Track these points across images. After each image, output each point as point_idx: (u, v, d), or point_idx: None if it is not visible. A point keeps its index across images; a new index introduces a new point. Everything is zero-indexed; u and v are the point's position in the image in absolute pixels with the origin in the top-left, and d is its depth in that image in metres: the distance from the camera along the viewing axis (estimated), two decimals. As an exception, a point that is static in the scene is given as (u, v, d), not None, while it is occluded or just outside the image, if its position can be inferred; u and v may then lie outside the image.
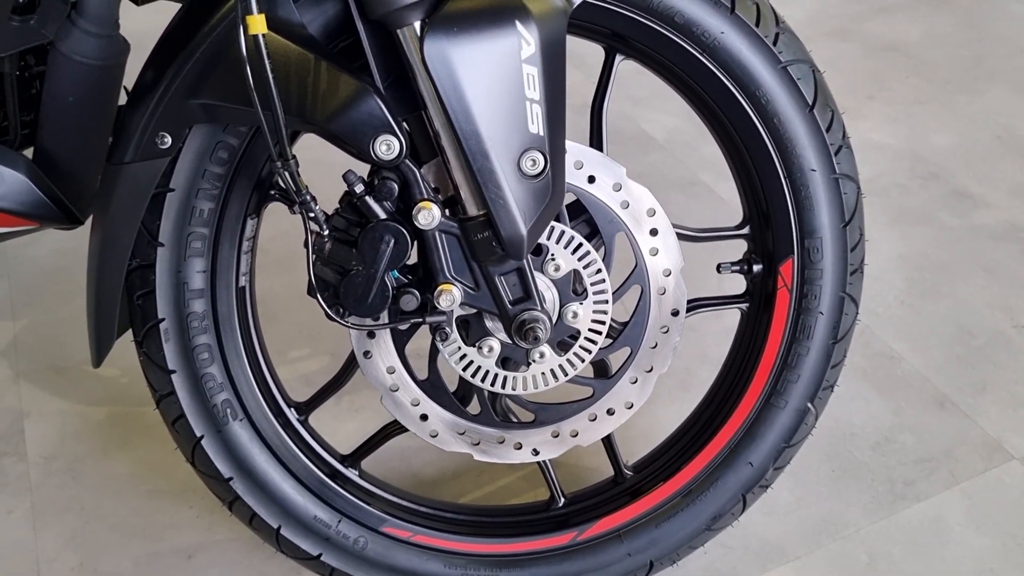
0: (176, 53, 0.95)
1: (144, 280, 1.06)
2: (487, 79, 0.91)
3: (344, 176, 0.97)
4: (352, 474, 1.21)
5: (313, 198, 0.95)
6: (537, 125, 0.94)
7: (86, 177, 1.12)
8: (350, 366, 1.18)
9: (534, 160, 0.94)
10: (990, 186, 2.07)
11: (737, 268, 1.19)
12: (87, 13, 1.00)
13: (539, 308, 1.02)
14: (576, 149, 1.05)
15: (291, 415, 1.18)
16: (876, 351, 1.67)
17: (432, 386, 1.13)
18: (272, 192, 1.09)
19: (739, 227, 1.19)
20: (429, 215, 0.97)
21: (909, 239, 1.93)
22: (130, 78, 1.01)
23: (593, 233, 1.09)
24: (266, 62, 0.86)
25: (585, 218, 1.09)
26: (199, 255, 1.06)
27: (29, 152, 1.07)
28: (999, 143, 2.21)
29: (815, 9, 2.80)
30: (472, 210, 0.97)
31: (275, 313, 1.76)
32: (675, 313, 1.12)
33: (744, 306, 1.21)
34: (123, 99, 1.02)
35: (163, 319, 1.07)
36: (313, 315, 1.73)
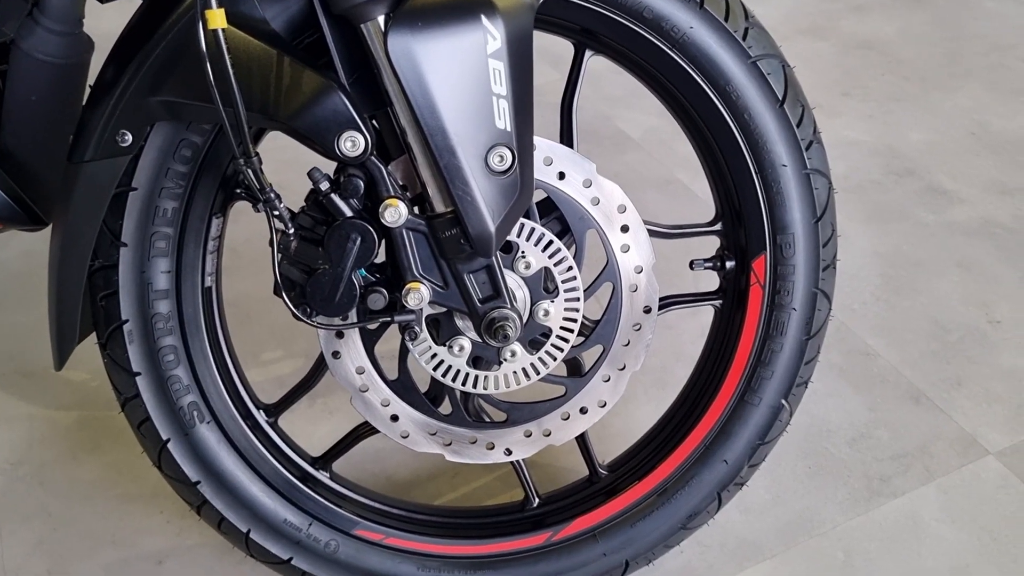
0: (136, 49, 0.93)
1: (107, 281, 1.04)
2: (453, 74, 0.89)
3: (309, 174, 0.95)
4: (323, 476, 1.20)
5: (277, 196, 0.93)
6: (504, 121, 0.92)
7: (50, 177, 1.10)
8: (320, 367, 1.16)
9: (501, 156, 0.93)
10: (964, 182, 2.08)
11: (710, 265, 1.18)
12: (49, 11, 0.99)
13: (509, 306, 1.01)
14: (545, 145, 1.04)
15: (260, 417, 1.17)
16: (852, 347, 1.67)
17: (403, 386, 1.11)
18: (238, 191, 1.07)
19: (711, 223, 1.18)
20: (396, 212, 0.95)
21: (884, 235, 1.93)
22: (95, 75, 0.99)
23: (564, 231, 1.08)
24: (226, 57, 0.85)
25: (556, 216, 1.08)
26: (163, 255, 1.04)
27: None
28: (973, 139, 2.22)
29: (790, 7, 2.80)
30: (439, 207, 0.96)
31: (247, 315, 1.74)
32: (647, 310, 1.12)
33: (717, 303, 1.20)
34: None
35: (127, 320, 1.05)
36: (286, 317, 1.71)
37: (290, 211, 0.96)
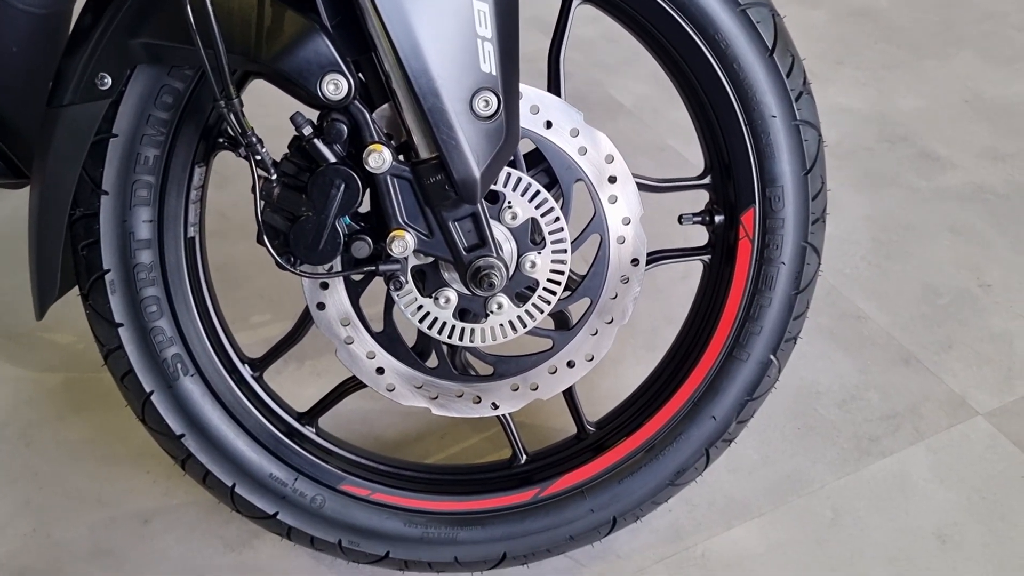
0: (115, -8, 0.92)
1: (88, 230, 1.03)
2: (437, 15, 0.88)
3: (292, 119, 0.94)
4: (309, 432, 1.19)
5: (259, 140, 0.92)
6: (489, 64, 0.91)
7: (32, 131, 1.08)
8: (305, 321, 1.15)
9: (487, 101, 0.92)
10: (957, 148, 2.07)
11: (699, 219, 1.17)
12: (29, -41, 0.97)
13: (495, 255, 1.00)
14: (533, 94, 1.03)
15: (245, 371, 1.16)
16: (843, 311, 1.67)
17: (388, 339, 1.10)
18: (220, 140, 1.06)
19: (700, 177, 1.17)
20: (380, 158, 0.94)
21: (877, 201, 1.92)
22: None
23: (552, 182, 1.07)
24: (208, 2, 0.83)
25: (543, 168, 1.07)
26: (145, 204, 1.03)
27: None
28: (967, 106, 2.21)
29: (785, -24, 2.78)
30: (424, 153, 0.94)
31: (236, 279, 1.73)
32: (635, 262, 1.11)
33: (706, 258, 1.19)
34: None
35: (108, 270, 1.04)
36: (275, 280, 1.71)
37: (272, 158, 0.95)
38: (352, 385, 1.18)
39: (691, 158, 2.03)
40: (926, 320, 1.65)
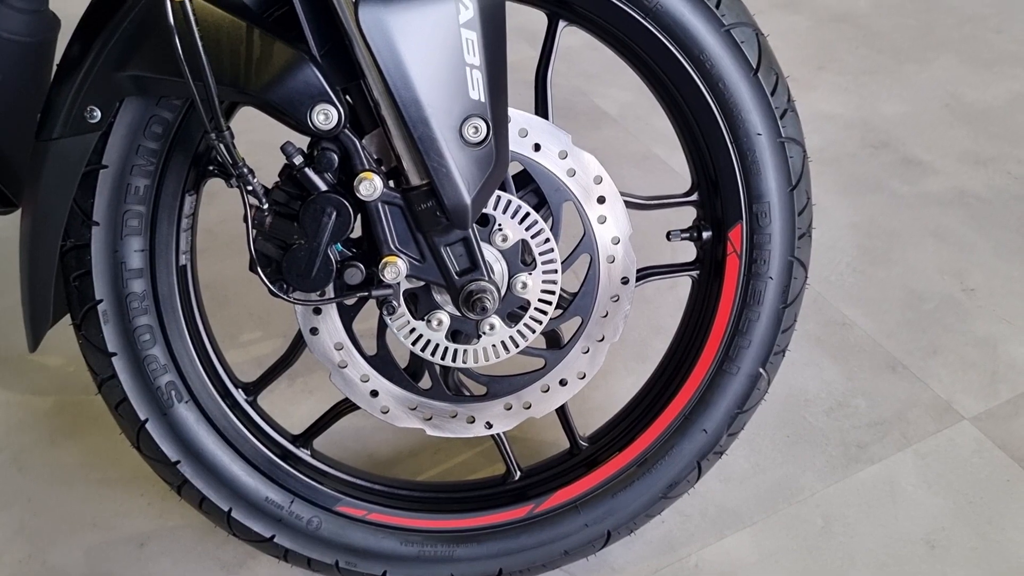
0: (103, 23, 0.92)
1: (80, 260, 1.03)
2: (425, 45, 0.89)
3: (283, 148, 0.94)
4: (304, 454, 1.19)
5: (251, 170, 0.92)
6: (478, 91, 0.92)
7: (19, 158, 1.09)
8: (298, 345, 1.16)
9: (476, 127, 0.93)
10: (939, 153, 2.09)
11: (687, 235, 1.19)
12: (13, -12, 0.97)
13: (486, 278, 1.01)
14: (521, 117, 1.04)
15: (239, 396, 1.16)
16: (829, 318, 1.68)
17: (382, 361, 1.11)
18: (210, 168, 1.06)
19: (687, 194, 1.18)
20: (371, 186, 0.95)
21: (860, 207, 1.94)
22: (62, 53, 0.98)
23: (541, 203, 1.08)
24: (195, 29, 0.84)
25: (532, 188, 1.08)
26: (136, 234, 1.03)
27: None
28: (947, 111, 2.24)
29: (765, -18, 2.80)
30: (415, 180, 0.95)
31: (225, 296, 1.73)
32: (625, 281, 1.12)
33: (695, 273, 1.21)
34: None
35: (101, 300, 1.04)
36: (264, 298, 1.71)
37: (264, 186, 0.96)
38: (346, 407, 1.18)
39: (676, 166, 2.05)
40: (911, 326, 1.67)
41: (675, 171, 2.03)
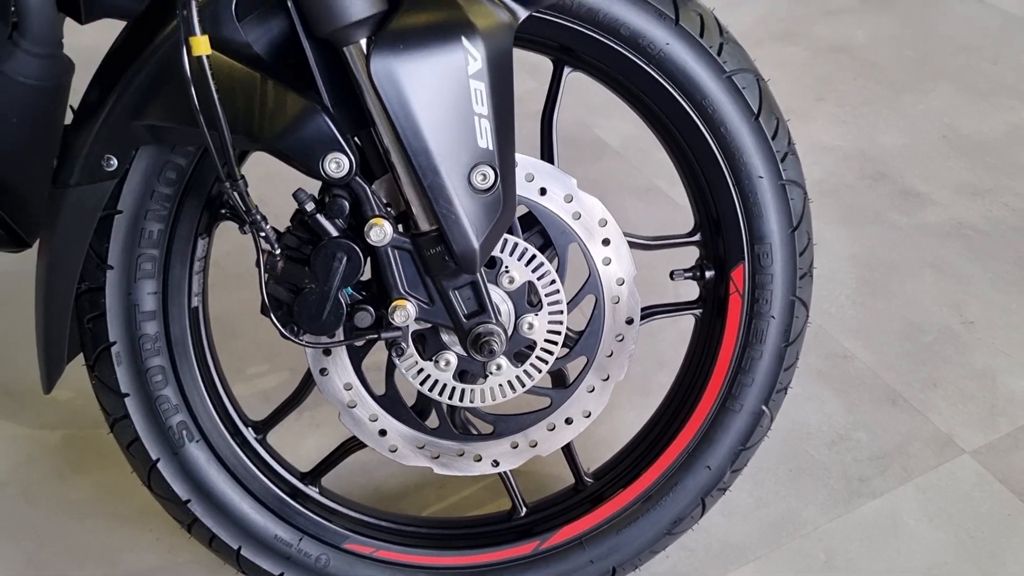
0: (120, 73, 0.94)
1: (94, 303, 1.05)
2: (435, 95, 0.91)
3: (295, 195, 0.97)
4: (312, 492, 1.21)
5: (263, 217, 0.94)
6: (486, 140, 0.94)
7: (32, 199, 1.10)
8: (307, 383, 1.18)
9: (484, 174, 0.95)
10: (937, 185, 2.12)
11: (690, 275, 1.21)
12: (29, 33, 0.99)
13: (494, 321, 1.03)
14: (527, 162, 1.06)
15: (248, 434, 1.18)
16: (829, 351, 1.70)
17: (390, 401, 1.13)
18: (223, 211, 1.08)
19: (690, 234, 1.20)
20: (381, 232, 0.97)
21: (859, 238, 1.96)
22: (76, 96, 1.00)
23: (546, 244, 1.10)
24: (211, 83, 0.86)
25: (538, 229, 1.10)
26: (150, 277, 1.05)
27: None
28: (945, 142, 2.26)
29: (762, 13, 2.84)
30: (424, 225, 0.97)
31: (232, 330, 1.74)
32: (629, 321, 1.13)
33: (698, 312, 1.22)
34: (69, 117, 1.01)
35: (115, 342, 1.06)
36: (271, 331, 1.71)
37: (276, 231, 0.98)
38: (355, 445, 1.20)
39: (678, 198, 2.07)
40: (911, 358, 1.68)
41: (677, 204, 2.05)
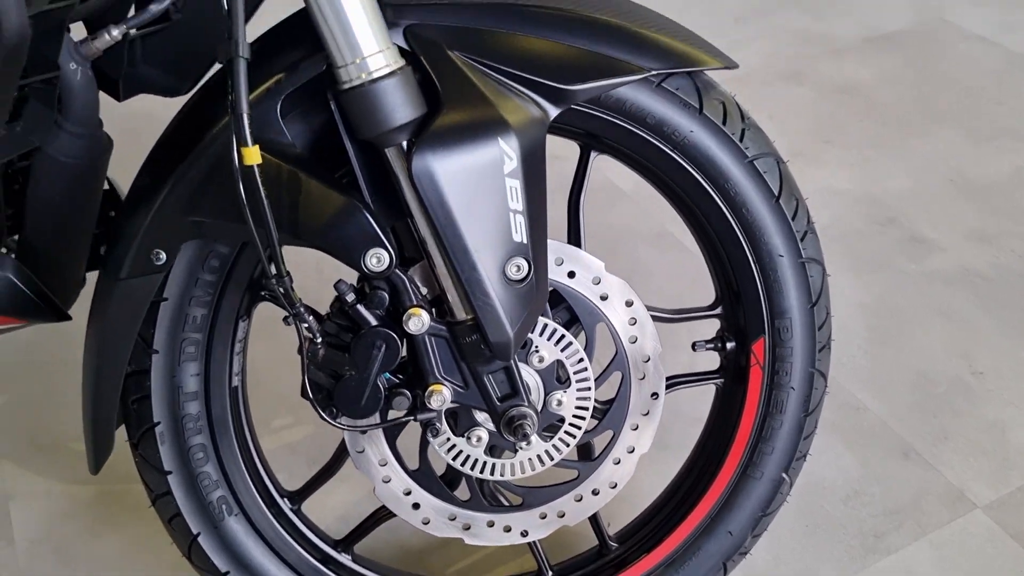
0: (170, 169, 0.98)
1: (139, 385, 1.08)
2: (472, 194, 0.94)
3: (336, 286, 1.00)
4: (345, 559, 1.24)
5: (307, 309, 0.98)
6: (521, 234, 0.97)
7: (70, 270, 1.14)
8: (341, 454, 1.21)
9: (519, 266, 0.98)
10: (944, 230, 2.15)
11: (711, 346, 1.24)
12: (72, 115, 1.02)
13: (526, 404, 1.06)
14: (556, 247, 1.09)
15: (284, 505, 1.21)
16: (842, 402, 1.74)
17: (424, 475, 1.16)
18: (263, 293, 1.12)
19: (712, 307, 1.24)
20: (419, 321, 1.00)
21: (869, 285, 2.00)
22: (114, 168, 1.03)
23: (571, 319, 1.14)
24: (261, 190, 0.89)
25: (565, 305, 1.13)
26: (193, 359, 1.09)
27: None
28: (951, 186, 2.30)
29: (769, 52, 2.88)
30: (460, 315, 1.01)
31: (256, 380, 1.76)
32: (655, 396, 1.17)
33: (719, 381, 1.26)
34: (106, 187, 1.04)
35: (159, 422, 1.09)
36: (295, 381, 1.76)
37: (316, 317, 1.01)
38: (386, 513, 1.23)
39: (690, 245, 2.10)
40: (922, 409, 1.72)
41: (689, 250, 2.09)
